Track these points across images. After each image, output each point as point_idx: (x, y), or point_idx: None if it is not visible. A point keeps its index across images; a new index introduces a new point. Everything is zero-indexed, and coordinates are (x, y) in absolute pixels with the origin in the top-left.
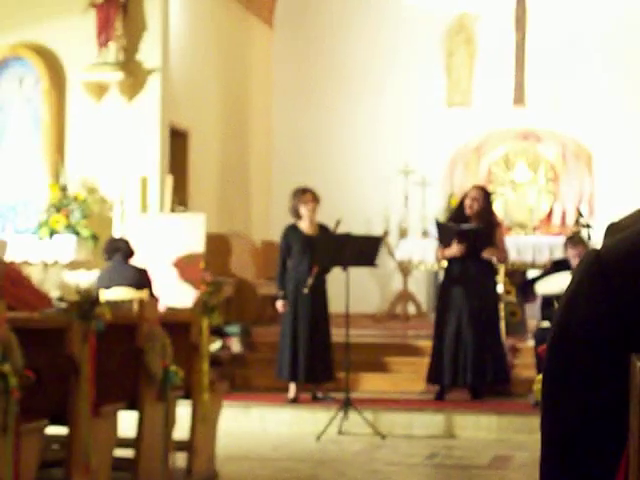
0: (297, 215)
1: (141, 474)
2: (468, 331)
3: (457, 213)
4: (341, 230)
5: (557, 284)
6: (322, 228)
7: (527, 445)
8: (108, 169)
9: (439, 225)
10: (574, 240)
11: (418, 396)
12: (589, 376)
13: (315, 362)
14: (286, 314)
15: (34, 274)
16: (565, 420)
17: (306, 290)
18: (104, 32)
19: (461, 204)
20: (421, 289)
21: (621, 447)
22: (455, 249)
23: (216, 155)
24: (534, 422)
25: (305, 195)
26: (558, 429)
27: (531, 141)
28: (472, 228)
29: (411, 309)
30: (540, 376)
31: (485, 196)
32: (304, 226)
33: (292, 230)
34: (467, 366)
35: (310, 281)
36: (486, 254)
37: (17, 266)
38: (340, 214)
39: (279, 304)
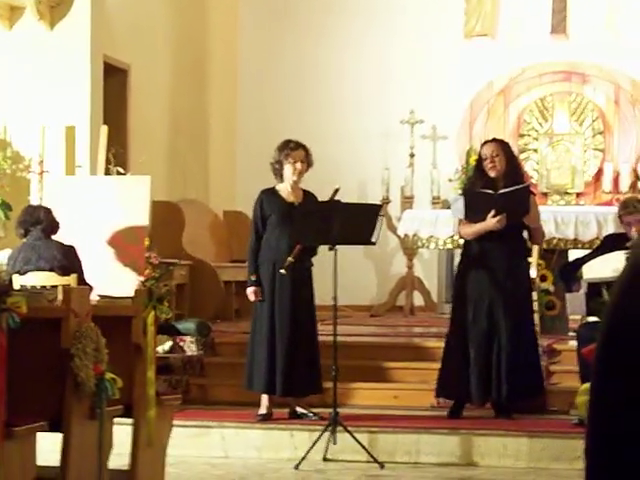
0: (279, 175)
1: None
2: (503, 330)
3: (476, 177)
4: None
5: (608, 267)
6: (308, 195)
7: (567, 476)
8: (23, 117)
9: (470, 194)
10: (629, 206)
11: (426, 412)
12: None
13: (297, 369)
14: (259, 305)
15: None
16: (617, 444)
17: (283, 271)
18: None
19: (478, 166)
20: (431, 274)
21: None
22: (493, 222)
23: (166, 101)
24: (576, 446)
25: (296, 152)
26: (607, 455)
27: (575, 81)
28: (513, 189)
29: (418, 300)
30: (585, 386)
31: (506, 150)
32: (285, 191)
33: (269, 196)
34: (501, 376)
35: (290, 259)
36: (531, 222)
37: None
38: (326, 178)
39: (250, 292)
